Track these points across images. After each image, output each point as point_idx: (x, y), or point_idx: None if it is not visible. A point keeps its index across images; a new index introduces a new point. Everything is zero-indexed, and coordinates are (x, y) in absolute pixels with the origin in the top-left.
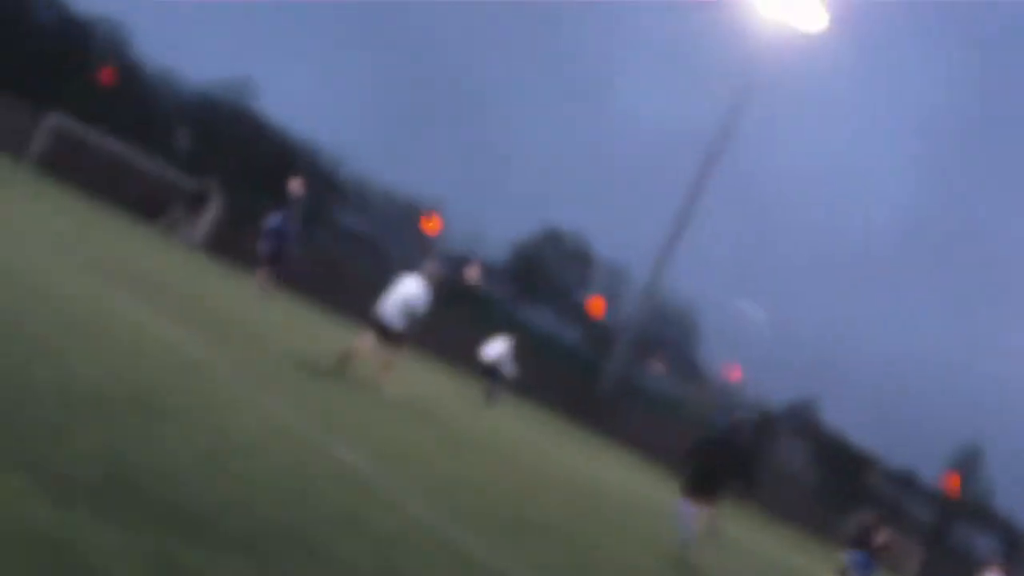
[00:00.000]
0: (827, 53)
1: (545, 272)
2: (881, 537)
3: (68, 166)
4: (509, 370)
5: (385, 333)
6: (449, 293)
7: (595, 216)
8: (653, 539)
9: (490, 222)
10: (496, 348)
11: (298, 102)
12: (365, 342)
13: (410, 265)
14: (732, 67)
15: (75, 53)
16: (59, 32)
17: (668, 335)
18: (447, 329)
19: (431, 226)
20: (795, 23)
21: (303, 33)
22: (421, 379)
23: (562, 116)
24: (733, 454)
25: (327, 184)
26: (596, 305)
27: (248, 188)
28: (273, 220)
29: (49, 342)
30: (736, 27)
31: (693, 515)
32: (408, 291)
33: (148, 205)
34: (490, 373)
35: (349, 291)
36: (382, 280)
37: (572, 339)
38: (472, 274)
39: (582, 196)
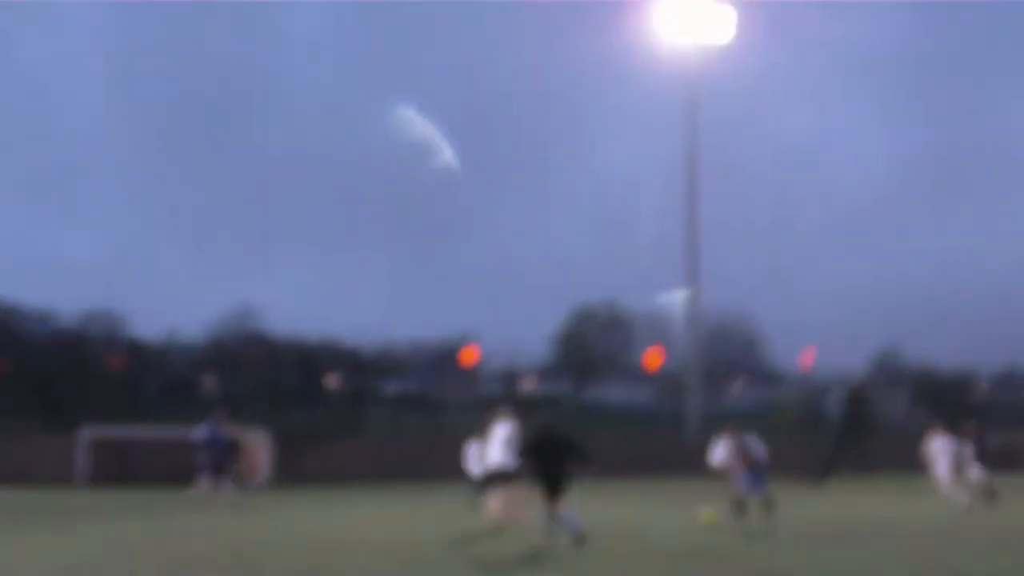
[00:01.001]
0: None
1: (591, 349)
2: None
3: (117, 475)
4: None
5: (502, 477)
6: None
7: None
8: None
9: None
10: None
11: (305, 309)
12: (497, 503)
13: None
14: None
15: (80, 359)
16: (56, 345)
17: (734, 354)
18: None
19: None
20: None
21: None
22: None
23: None
24: (562, 447)
25: (360, 367)
26: (653, 356)
27: (287, 406)
28: (201, 432)
29: None
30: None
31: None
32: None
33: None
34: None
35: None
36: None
37: (645, 399)
38: (527, 384)
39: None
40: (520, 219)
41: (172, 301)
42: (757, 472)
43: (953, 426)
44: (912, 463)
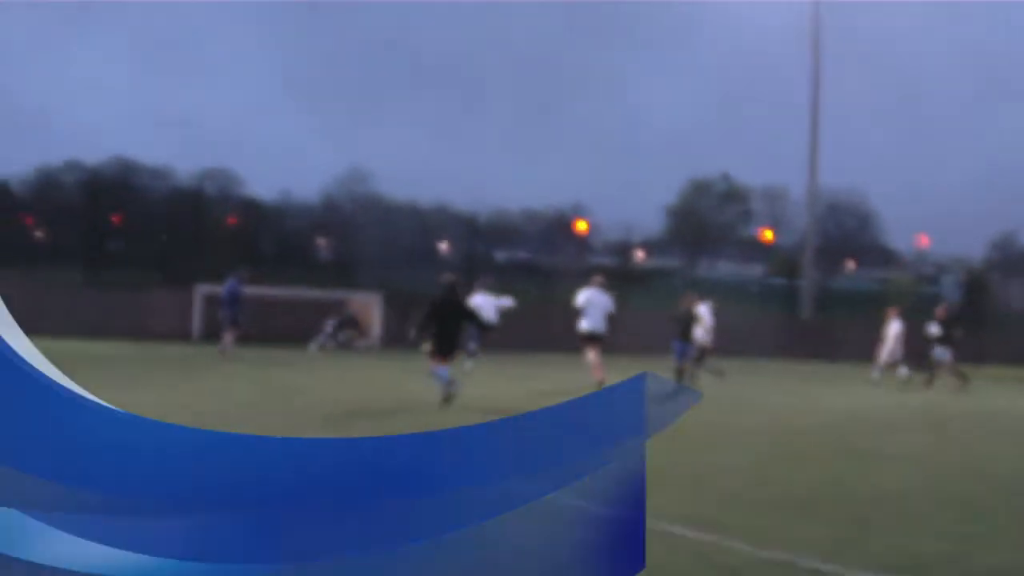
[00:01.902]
0: None
1: (705, 222)
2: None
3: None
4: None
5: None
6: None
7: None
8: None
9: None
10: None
11: (418, 173)
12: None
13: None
14: None
15: (196, 216)
16: (173, 202)
17: (848, 233)
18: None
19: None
20: None
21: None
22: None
23: None
24: (458, 310)
25: (473, 233)
26: (767, 232)
27: (400, 269)
28: (226, 288)
29: None
30: None
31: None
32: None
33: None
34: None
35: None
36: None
37: (758, 275)
38: (638, 256)
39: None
40: (639, 89)
41: (287, 162)
42: (687, 342)
43: None
44: None
